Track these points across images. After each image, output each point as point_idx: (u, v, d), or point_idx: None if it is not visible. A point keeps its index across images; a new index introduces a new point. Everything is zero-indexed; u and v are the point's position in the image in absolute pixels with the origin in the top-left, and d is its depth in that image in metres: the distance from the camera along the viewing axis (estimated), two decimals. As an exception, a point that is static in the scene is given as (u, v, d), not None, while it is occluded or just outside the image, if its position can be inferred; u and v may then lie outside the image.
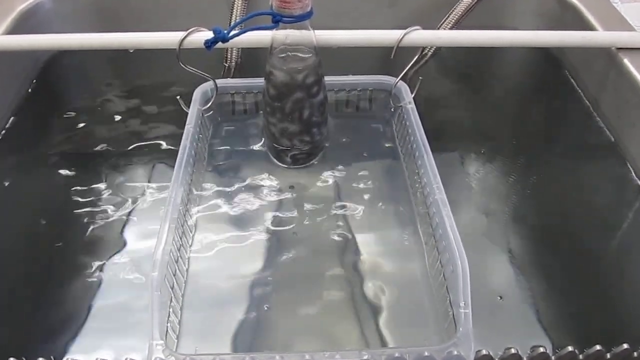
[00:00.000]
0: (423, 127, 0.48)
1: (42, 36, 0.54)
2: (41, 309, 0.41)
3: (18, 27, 0.60)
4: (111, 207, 0.48)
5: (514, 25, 0.68)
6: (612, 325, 0.41)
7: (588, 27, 0.60)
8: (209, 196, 0.48)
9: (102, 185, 0.50)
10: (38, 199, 0.50)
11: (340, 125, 0.54)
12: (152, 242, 0.39)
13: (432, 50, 0.64)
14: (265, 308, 0.40)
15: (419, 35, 0.52)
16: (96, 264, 0.44)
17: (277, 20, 0.43)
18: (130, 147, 0.54)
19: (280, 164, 0.51)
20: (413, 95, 0.52)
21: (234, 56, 0.63)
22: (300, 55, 0.46)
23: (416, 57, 0.59)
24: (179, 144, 0.47)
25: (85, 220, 0.47)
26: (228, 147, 0.53)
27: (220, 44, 0.44)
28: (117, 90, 0.62)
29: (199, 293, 0.42)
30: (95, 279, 0.43)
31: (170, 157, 0.50)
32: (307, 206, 0.48)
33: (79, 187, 0.50)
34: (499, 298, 0.42)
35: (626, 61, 0.54)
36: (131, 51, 0.62)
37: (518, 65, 0.69)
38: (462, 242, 0.38)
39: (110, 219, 0.47)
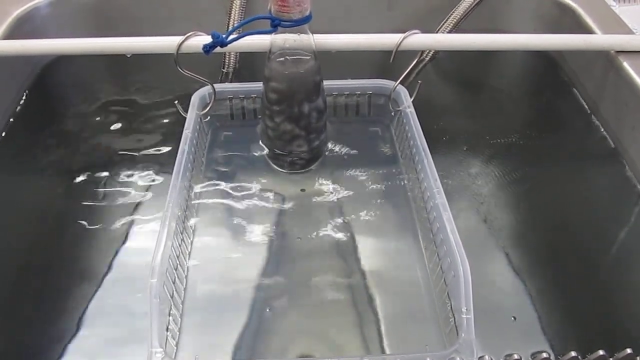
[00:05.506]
0: (422, 131, 0.48)
1: (38, 41, 0.54)
2: (40, 316, 0.41)
3: (14, 33, 0.59)
4: (109, 214, 0.48)
5: (512, 29, 0.68)
6: (615, 330, 0.40)
7: (586, 30, 0.60)
8: (207, 202, 0.48)
9: (99, 192, 0.50)
10: (36, 207, 0.49)
11: (339, 130, 0.54)
12: (151, 248, 0.38)
13: (430, 54, 0.64)
14: (267, 310, 0.40)
15: (417, 39, 0.52)
16: (95, 271, 0.43)
17: (276, 24, 0.43)
18: (128, 153, 0.54)
19: (279, 169, 0.51)
20: (412, 99, 0.52)
21: (232, 61, 0.63)
22: (299, 59, 0.46)
23: (415, 61, 0.59)
24: (177, 150, 0.46)
25: (84, 227, 0.47)
26: (226, 153, 0.53)
27: (218, 49, 0.44)
28: (115, 96, 0.62)
29: (199, 300, 0.41)
30: (94, 287, 0.42)
31: (168, 162, 0.50)
32: (307, 211, 0.47)
33: (76, 194, 0.50)
34: (500, 304, 0.42)
35: (625, 64, 0.54)
36: (128, 56, 0.62)
37: (517, 68, 0.69)
38: (463, 247, 0.38)
39: (108, 226, 0.47)
